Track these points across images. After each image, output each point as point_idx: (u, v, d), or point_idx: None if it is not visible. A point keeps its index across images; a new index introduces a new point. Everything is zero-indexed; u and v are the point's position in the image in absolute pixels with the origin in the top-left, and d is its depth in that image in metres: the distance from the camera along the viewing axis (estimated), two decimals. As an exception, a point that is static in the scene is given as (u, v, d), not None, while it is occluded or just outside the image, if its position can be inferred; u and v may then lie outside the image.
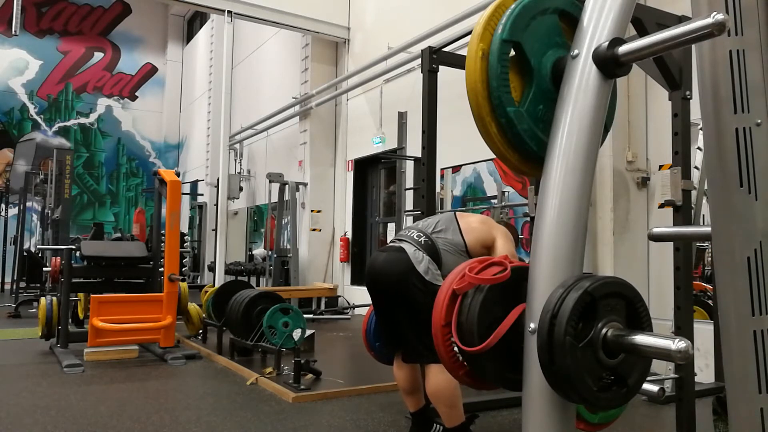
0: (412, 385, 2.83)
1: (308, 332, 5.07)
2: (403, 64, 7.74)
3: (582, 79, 1.60)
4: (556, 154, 1.61)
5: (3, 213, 12.57)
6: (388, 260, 2.65)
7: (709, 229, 1.51)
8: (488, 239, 2.73)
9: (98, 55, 16.72)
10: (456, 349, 1.75)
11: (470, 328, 1.66)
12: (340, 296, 9.02)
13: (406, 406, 2.93)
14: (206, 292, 6.56)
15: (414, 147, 6.21)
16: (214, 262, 9.81)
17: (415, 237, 2.68)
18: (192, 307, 5.96)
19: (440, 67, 3.75)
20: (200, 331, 6.00)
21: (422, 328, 2.55)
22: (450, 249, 2.67)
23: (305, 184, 9.79)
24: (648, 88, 5.04)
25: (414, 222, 3.05)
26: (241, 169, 12.62)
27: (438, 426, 2.90)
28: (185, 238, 13.51)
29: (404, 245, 2.65)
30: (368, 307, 3.17)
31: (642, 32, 2.64)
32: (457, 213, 2.87)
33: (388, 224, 8.60)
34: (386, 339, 2.86)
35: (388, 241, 2.91)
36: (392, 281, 2.61)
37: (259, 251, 11.68)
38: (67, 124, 16.22)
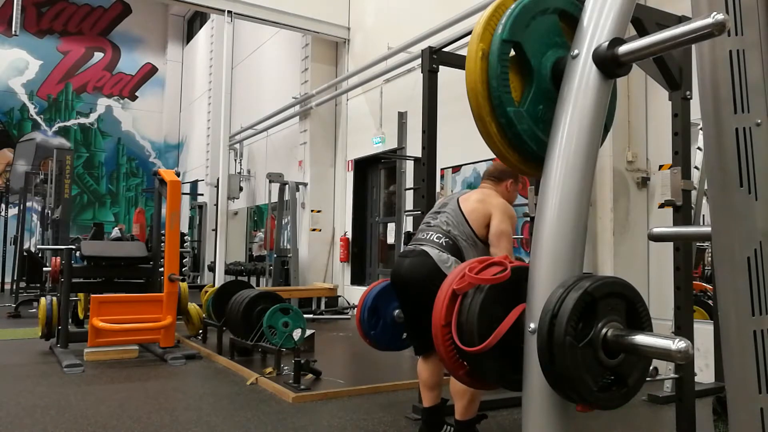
0: (435, 380, 2.87)
1: (308, 332, 5.06)
2: (403, 64, 7.74)
3: (582, 79, 1.60)
4: (556, 154, 1.61)
5: (3, 213, 12.57)
6: (414, 265, 2.71)
7: (709, 229, 1.51)
8: (487, 218, 2.77)
9: (98, 55, 16.72)
10: (456, 349, 1.75)
11: (470, 328, 1.66)
12: (340, 296, 9.02)
13: (422, 400, 2.95)
14: (206, 292, 6.56)
15: (414, 147, 6.20)
16: (214, 262, 9.81)
17: (435, 239, 2.73)
18: (192, 307, 5.96)
19: (440, 67, 3.75)
20: (200, 331, 6.00)
21: None
22: (467, 243, 2.74)
23: (305, 184, 9.79)
24: (648, 88, 5.04)
25: (417, 221, 3.04)
26: (241, 169, 12.62)
27: (448, 427, 2.92)
28: (185, 238, 13.52)
29: (428, 249, 2.71)
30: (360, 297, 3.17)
31: (642, 32, 2.64)
32: (460, 198, 2.88)
33: (388, 224, 8.60)
34: (418, 341, 2.89)
35: (408, 244, 2.93)
36: (420, 286, 2.65)
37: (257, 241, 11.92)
38: (67, 124, 16.22)
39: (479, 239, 2.76)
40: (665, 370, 4.04)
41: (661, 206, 4.14)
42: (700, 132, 3.93)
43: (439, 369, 2.86)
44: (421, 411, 2.97)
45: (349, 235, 9.45)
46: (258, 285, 10.22)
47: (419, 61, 4.03)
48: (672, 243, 2.93)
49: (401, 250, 2.92)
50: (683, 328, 2.89)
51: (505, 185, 3.01)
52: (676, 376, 2.96)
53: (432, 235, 2.76)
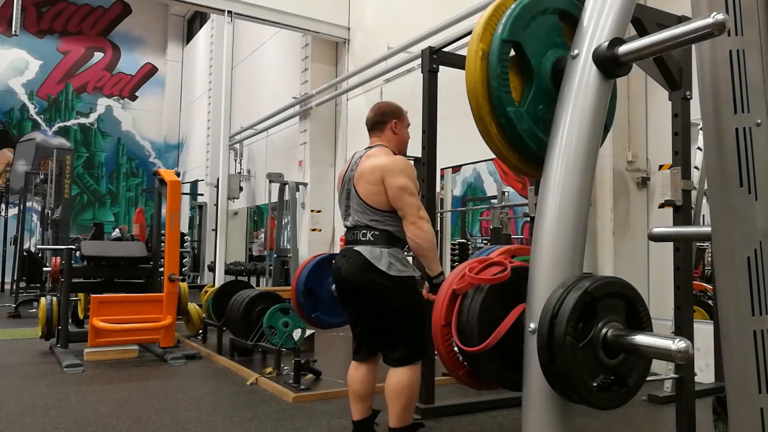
0: (366, 390, 2.69)
1: (308, 332, 5.07)
2: (403, 64, 7.73)
3: (582, 79, 1.60)
4: (556, 154, 1.61)
5: (3, 213, 12.56)
6: (350, 266, 2.58)
7: (709, 229, 1.51)
8: (382, 188, 2.54)
9: (98, 55, 16.71)
10: (456, 349, 1.75)
11: (470, 328, 1.66)
12: (340, 296, 8.99)
13: (351, 413, 2.75)
14: (206, 292, 6.55)
15: (414, 147, 6.19)
16: (214, 262, 9.80)
17: (361, 237, 2.59)
18: (192, 307, 5.96)
19: (440, 67, 3.75)
20: (200, 331, 6.00)
21: (395, 328, 2.53)
22: (389, 223, 2.56)
23: (305, 184, 9.78)
24: (648, 88, 5.04)
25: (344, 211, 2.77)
26: (241, 169, 12.62)
27: None
28: (185, 238, 13.51)
29: (360, 248, 2.57)
30: (296, 272, 3.12)
31: (642, 32, 2.63)
32: (355, 181, 2.63)
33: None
34: (357, 343, 2.73)
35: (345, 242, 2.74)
36: (359, 284, 2.56)
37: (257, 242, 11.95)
38: (67, 124, 16.22)
39: (392, 212, 2.56)
40: (665, 370, 4.04)
41: (661, 206, 4.14)
42: (700, 132, 3.93)
43: (372, 378, 2.69)
44: (352, 424, 2.75)
45: (349, 235, 9.43)
46: (258, 285, 10.21)
47: (419, 61, 4.03)
48: (672, 243, 2.93)
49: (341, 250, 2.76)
50: (683, 328, 2.89)
51: (390, 129, 2.72)
52: (676, 376, 2.96)
53: (358, 234, 2.60)
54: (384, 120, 2.74)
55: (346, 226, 2.72)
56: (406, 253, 2.67)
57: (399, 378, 2.53)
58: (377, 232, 2.57)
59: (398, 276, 2.52)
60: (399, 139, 2.76)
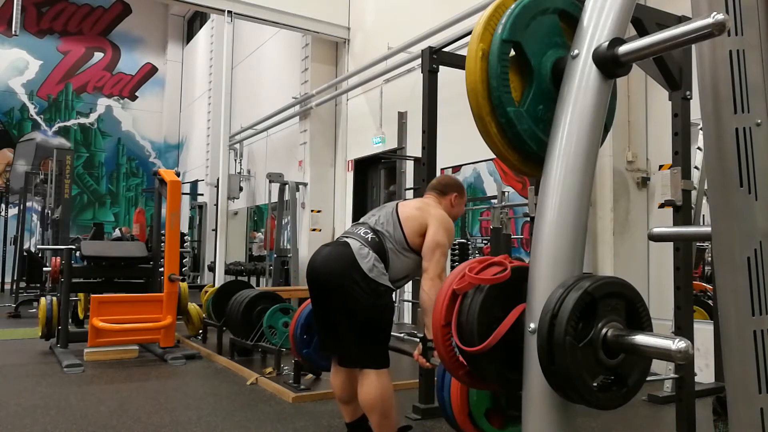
0: (349, 393, 2.65)
1: (308, 332, 5.07)
2: (403, 64, 7.73)
3: (582, 79, 1.60)
4: (556, 154, 1.61)
5: (3, 213, 12.56)
6: (331, 255, 2.52)
7: (709, 229, 1.51)
8: (423, 227, 2.58)
9: (98, 55, 16.70)
10: (456, 349, 1.75)
11: (470, 328, 1.66)
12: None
13: (342, 416, 2.76)
14: (206, 292, 6.56)
15: (414, 147, 6.20)
16: (214, 262, 9.81)
17: (362, 234, 2.56)
18: (192, 307, 5.96)
19: (440, 67, 3.75)
20: (200, 331, 6.00)
21: (360, 330, 2.46)
22: (395, 248, 2.56)
23: (305, 184, 9.78)
24: (648, 88, 5.04)
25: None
26: (241, 169, 12.62)
27: None
28: (185, 238, 13.51)
29: (350, 241, 2.53)
30: (302, 305, 3.10)
31: (642, 32, 2.63)
32: (399, 203, 2.73)
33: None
34: (322, 341, 2.70)
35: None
36: (332, 277, 2.48)
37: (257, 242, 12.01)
38: (67, 124, 16.21)
39: (411, 248, 2.56)
40: (665, 370, 4.04)
41: (661, 206, 4.14)
42: (700, 132, 3.93)
43: (352, 380, 2.62)
44: (345, 426, 2.76)
45: (349, 235, 9.42)
46: (258, 285, 10.21)
47: (419, 61, 4.03)
48: (672, 243, 2.93)
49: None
50: (683, 328, 2.89)
51: (449, 199, 2.79)
52: (676, 376, 2.96)
53: (359, 229, 2.58)
54: (445, 191, 2.83)
55: (355, 223, 2.70)
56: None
57: (367, 392, 2.47)
58: (377, 239, 2.53)
59: (375, 280, 2.45)
60: (454, 212, 2.83)
